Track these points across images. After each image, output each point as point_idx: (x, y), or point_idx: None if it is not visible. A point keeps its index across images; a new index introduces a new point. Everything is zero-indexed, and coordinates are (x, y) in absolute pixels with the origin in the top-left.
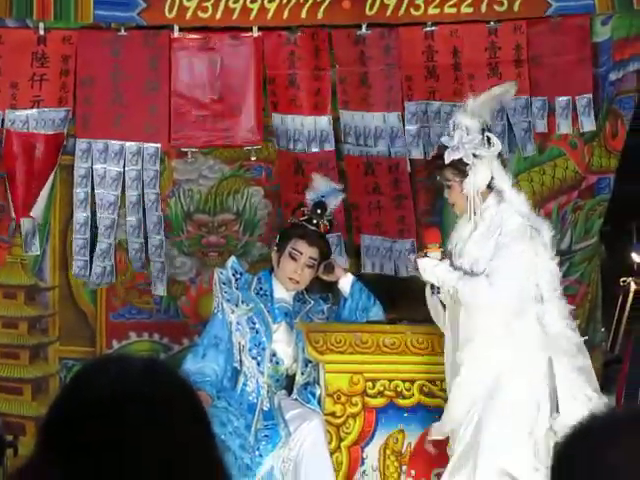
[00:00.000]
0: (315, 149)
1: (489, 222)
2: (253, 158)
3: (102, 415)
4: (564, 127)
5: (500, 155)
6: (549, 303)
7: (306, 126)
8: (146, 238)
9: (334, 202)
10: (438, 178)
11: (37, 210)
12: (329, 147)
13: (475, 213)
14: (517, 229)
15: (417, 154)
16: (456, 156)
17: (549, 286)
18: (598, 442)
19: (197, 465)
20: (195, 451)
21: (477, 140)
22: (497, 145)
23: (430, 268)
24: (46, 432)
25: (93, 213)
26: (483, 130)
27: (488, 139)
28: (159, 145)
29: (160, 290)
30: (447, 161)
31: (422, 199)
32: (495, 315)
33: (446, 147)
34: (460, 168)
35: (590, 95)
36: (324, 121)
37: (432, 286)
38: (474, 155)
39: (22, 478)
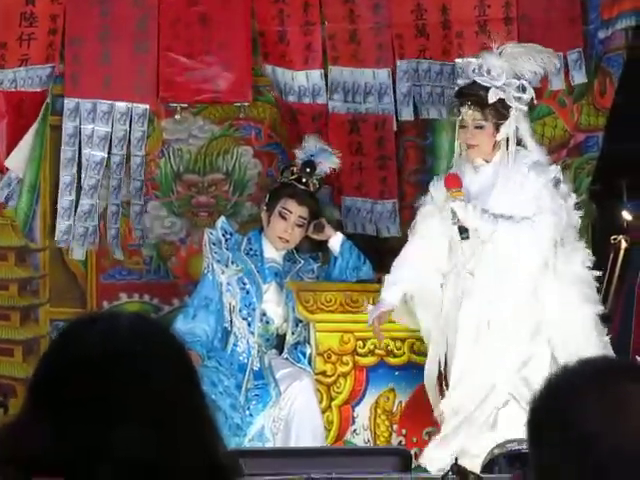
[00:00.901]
0: (307, 101)
1: (510, 170)
2: (242, 115)
3: (91, 372)
4: (556, 83)
5: (529, 104)
6: (579, 250)
7: (297, 80)
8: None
9: (326, 162)
10: (461, 117)
11: (13, 161)
12: (322, 101)
13: (508, 159)
14: (550, 179)
15: (407, 114)
16: (499, 96)
17: (575, 235)
18: (567, 405)
19: (186, 422)
20: (184, 408)
21: (516, 85)
22: (530, 93)
23: (464, 212)
24: (34, 389)
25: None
26: (518, 77)
27: (523, 86)
28: (147, 106)
29: (119, 254)
30: (491, 100)
31: (411, 158)
32: (531, 259)
33: (479, 85)
34: (500, 110)
35: (581, 49)
36: (316, 75)
37: (461, 231)
38: (515, 99)
39: (10, 434)
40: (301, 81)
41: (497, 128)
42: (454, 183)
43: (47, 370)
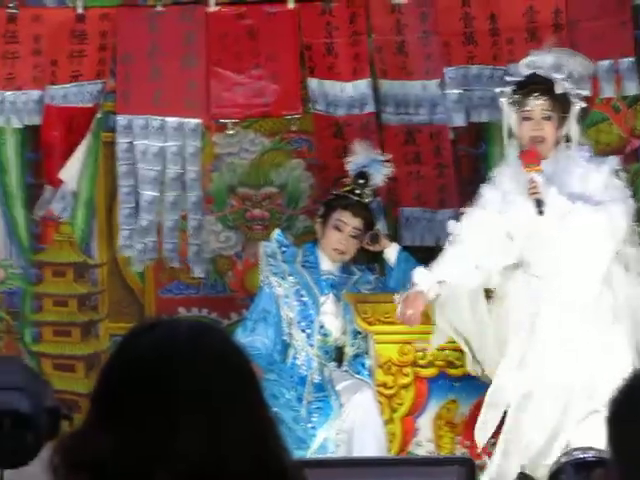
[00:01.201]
0: (356, 111)
1: (570, 165)
2: (294, 128)
3: (147, 377)
4: (608, 91)
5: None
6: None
7: (346, 92)
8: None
9: (379, 173)
10: (528, 107)
11: (67, 174)
12: (370, 109)
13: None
14: (613, 169)
15: (459, 120)
16: (565, 88)
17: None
18: None
19: (248, 429)
20: (245, 416)
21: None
22: (588, 90)
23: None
24: (96, 397)
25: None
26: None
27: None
28: (200, 120)
29: (197, 272)
30: (558, 90)
31: (464, 167)
32: (606, 243)
33: (542, 77)
34: (564, 103)
35: (632, 58)
36: (363, 85)
37: (539, 205)
38: (574, 95)
39: (75, 441)
40: (349, 92)
41: (560, 122)
42: (532, 158)
43: (107, 378)
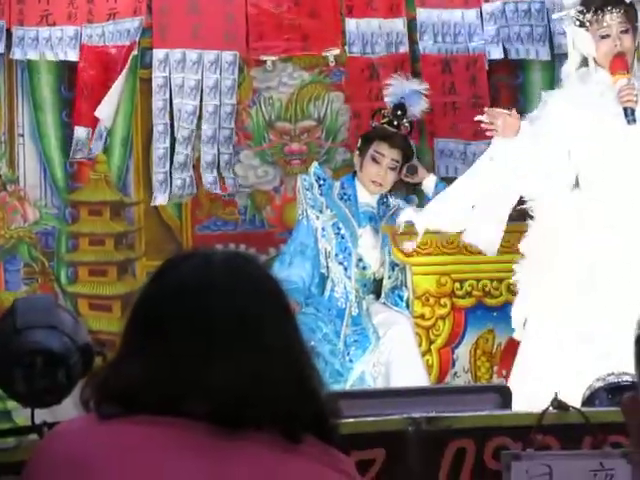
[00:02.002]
0: (392, 51)
1: None
2: (332, 63)
3: (186, 302)
4: None
5: None
6: None
7: (383, 29)
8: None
9: (417, 105)
10: (605, 24)
11: (103, 111)
12: (404, 49)
13: None
14: None
15: (496, 54)
16: None
17: None
18: None
19: (283, 357)
20: (280, 342)
21: None
22: None
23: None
24: (132, 321)
25: (171, 124)
26: None
27: None
28: (237, 53)
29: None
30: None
31: (503, 98)
32: None
33: None
34: (636, 12)
35: None
36: (399, 23)
37: (627, 114)
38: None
39: (102, 373)
40: (387, 29)
41: (635, 33)
42: (621, 65)
43: (142, 305)
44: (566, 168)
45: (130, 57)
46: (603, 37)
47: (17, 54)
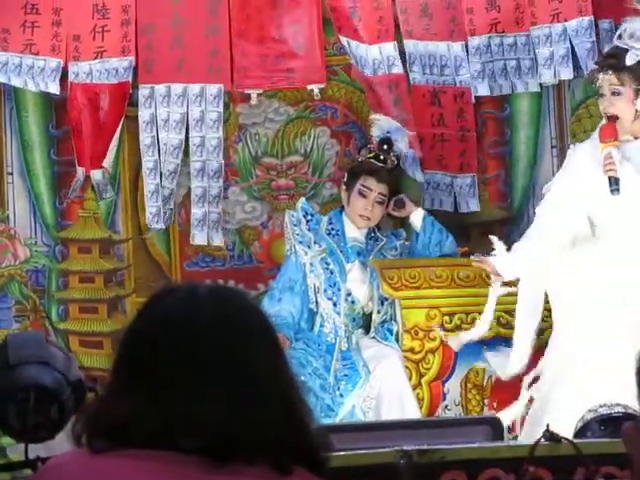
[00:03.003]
0: (383, 72)
1: None
2: (317, 97)
3: (172, 335)
4: None
5: None
6: None
7: (371, 54)
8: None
9: (400, 141)
10: (599, 84)
11: (109, 161)
12: (397, 70)
13: None
14: None
15: (483, 90)
16: (639, 58)
17: None
18: None
19: (271, 385)
20: (269, 370)
21: None
22: None
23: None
24: (119, 359)
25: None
26: None
27: None
28: (221, 85)
29: (217, 241)
30: (628, 62)
31: (490, 130)
32: None
33: (619, 49)
34: None
35: None
36: (389, 47)
37: (612, 183)
38: None
39: (93, 409)
40: (375, 54)
41: (637, 95)
42: (610, 133)
43: (130, 341)
44: (586, 229)
45: (125, 100)
46: (600, 96)
47: (1, 78)
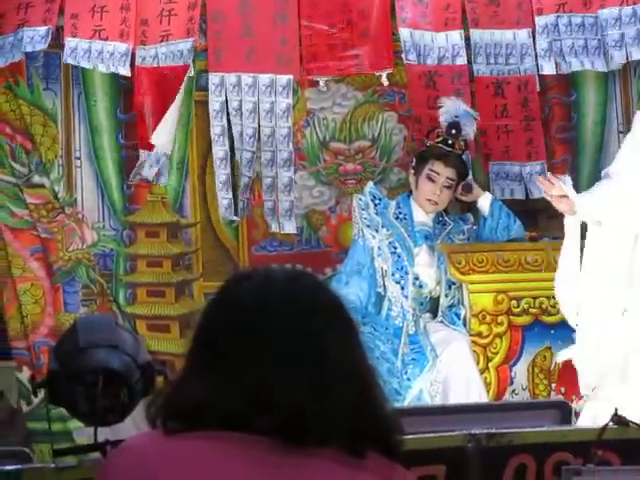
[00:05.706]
0: (447, 62)
1: None
2: (385, 83)
3: (245, 321)
4: None
5: None
6: None
7: (437, 42)
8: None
9: (469, 126)
10: None
11: (159, 137)
12: (461, 61)
13: None
14: None
15: (549, 69)
16: None
17: None
18: None
19: (345, 367)
20: (343, 352)
21: None
22: None
23: None
24: (192, 347)
25: (230, 148)
26: None
27: None
28: (291, 76)
29: (288, 229)
30: None
31: (557, 115)
32: None
33: None
34: None
35: None
36: (456, 36)
37: None
38: None
39: (168, 392)
40: (441, 42)
41: None
42: None
43: (205, 325)
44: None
45: (185, 79)
46: None
47: (70, 62)
